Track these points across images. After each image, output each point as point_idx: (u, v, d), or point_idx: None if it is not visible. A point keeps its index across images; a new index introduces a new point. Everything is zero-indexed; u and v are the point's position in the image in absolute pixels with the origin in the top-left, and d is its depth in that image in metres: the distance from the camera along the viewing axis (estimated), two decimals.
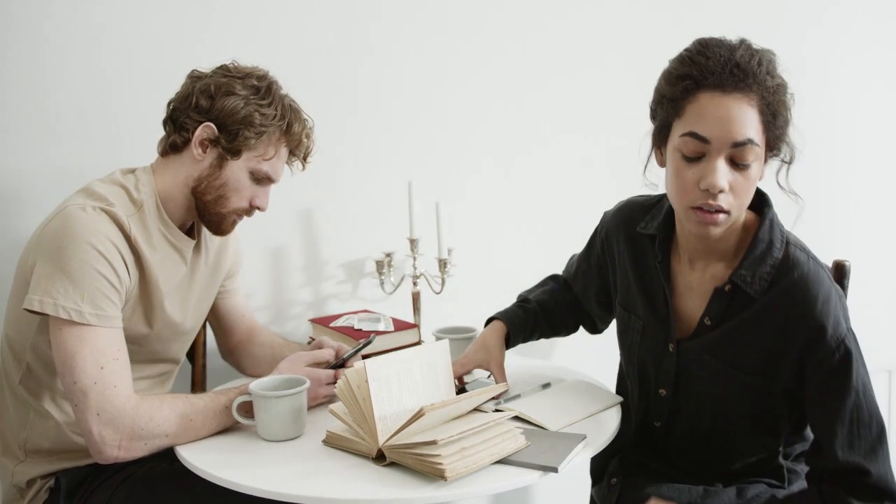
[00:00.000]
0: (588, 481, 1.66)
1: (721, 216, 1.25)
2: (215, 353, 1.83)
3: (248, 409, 1.40)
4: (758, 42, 1.27)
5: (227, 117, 1.46)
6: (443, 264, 1.98)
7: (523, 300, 1.69)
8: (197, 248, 1.59)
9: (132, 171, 1.54)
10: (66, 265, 1.34)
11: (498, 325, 1.61)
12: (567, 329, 1.73)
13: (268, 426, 1.37)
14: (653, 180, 1.41)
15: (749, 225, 1.34)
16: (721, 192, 1.23)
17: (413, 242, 1.98)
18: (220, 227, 1.55)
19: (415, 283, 1.99)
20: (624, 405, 1.51)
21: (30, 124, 1.79)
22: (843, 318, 1.27)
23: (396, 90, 2.05)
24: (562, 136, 2.18)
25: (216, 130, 1.47)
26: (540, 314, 1.66)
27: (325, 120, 2.00)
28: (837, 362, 1.25)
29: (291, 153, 1.57)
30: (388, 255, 2.02)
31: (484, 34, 2.11)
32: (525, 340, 1.65)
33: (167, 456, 1.41)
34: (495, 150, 2.14)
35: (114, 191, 1.45)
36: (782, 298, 1.28)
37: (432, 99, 2.08)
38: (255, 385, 1.39)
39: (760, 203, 1.35)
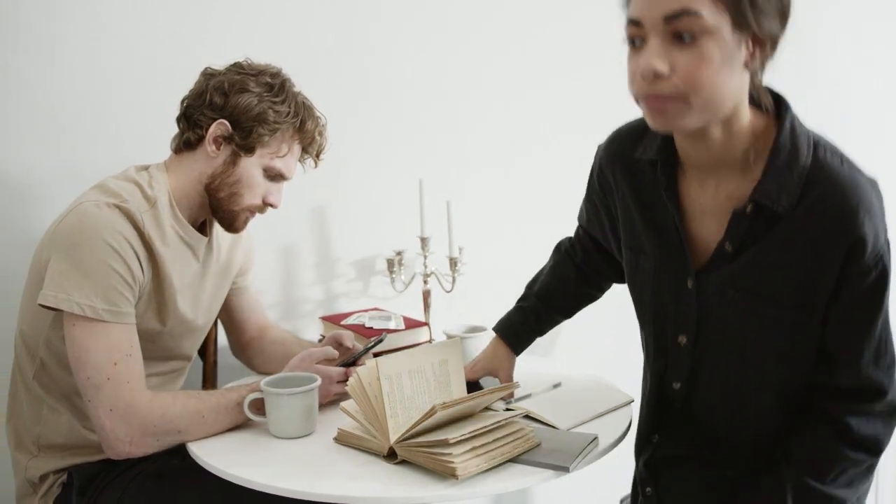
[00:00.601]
0: (584, 482, 1.66)
1: (671, 105, 1.07)
2: (227, 350, 1.83)
3: (259, 407, 1.41)
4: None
5: (241, 114, 1.47)
6: (453, 263, 1.98)
7: (523, 297, 1.62)
8: (209, 245, 1.60)
9: (146, 167, 1.54)
10: (80, 261, 1.35)
11: (499, 338, 1.58)
12: (584, 300, 1.62)
13: (279, 423, 1.38)
14: None
15: (761, 131, 1.15)
16: (656, 75, 1.05)
17: (424, 241, 1.98)
18: (234, 224, 1.55)
19: (425, 282, 1.99)
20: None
21: (44, 122, 1.80)
22: (883, 230, 1.13)
23: (408, 88, 2.05)
24: (572, 135, 2.17)
25: (230, 127, 1.48)
26: (542, 308, 1.57)
27: (335, 118, 2.00)
28: (874, 280, 1.12)
29: (304, 150, 1.57)
30: (399, 253, 2.02)
31: (492, 31, 2.11)
32: (535, 339, 1.61)
33: (178, 452, 1.41)
34: (506, 149, 2.14)
35: (128, 187, 1.46)
36: (816, 212, 1.11)
37: (444, 97, 2.08)
38: (267, 382, 1.40)
39: (776, 105, 1.17)
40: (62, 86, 1.80)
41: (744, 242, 1.18)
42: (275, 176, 1.53)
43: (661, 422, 1.35)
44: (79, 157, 1.81)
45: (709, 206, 1.21)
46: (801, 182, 1.12)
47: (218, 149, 1.49)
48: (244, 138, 1.48)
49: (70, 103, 1.82)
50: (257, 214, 1.58)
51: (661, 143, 1.24)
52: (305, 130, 1.53)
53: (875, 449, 1.19)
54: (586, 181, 1.47)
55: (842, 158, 1.14)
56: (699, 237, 1.23)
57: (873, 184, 1.14)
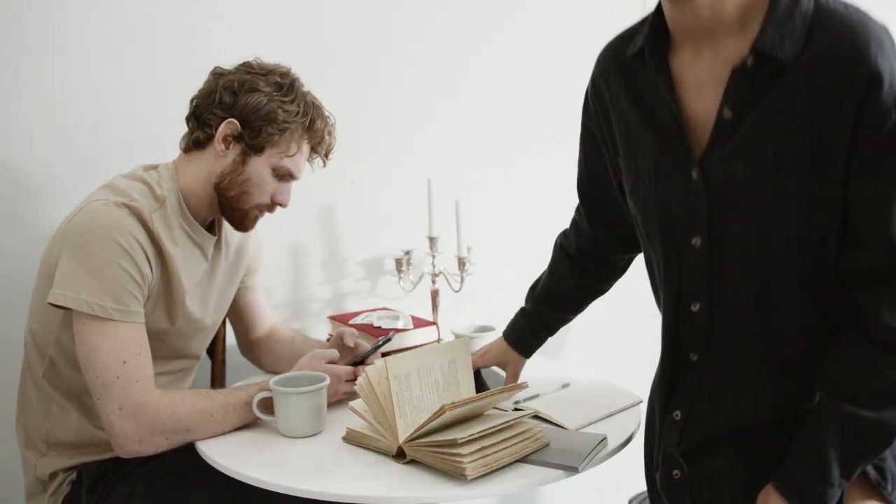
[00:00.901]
0: (592, 483, 1.66)
1: None
2: (235, 349, 1.83)
3: (268, 406, 1.41)
4: None
5: (251, 114, 1.47)
6: (462, 262, 1.98)
7: (526, 300, 1.58)
8: (218, 244, 1.60)
9: (154, 167, 1.55)
10: (89, 260, 1.35)
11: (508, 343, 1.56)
12: (590, 294, 1.55)
13: (288, 422, 1.38)
14: None
15: None
16: None
17: (432, 240, 1.98)
18: (243, 223, 1.55)
19: (433, 281, 1.99)
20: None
21: (53, 120, 1.80)
22: None
23: (416, 87, 2.05)
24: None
25: (239, 127, 1.48)
26: (544, 310, 1.53)
27: (344, 117, 2.00)
28: (894, 122, 1.00)
29: (313, 150, 1.57)
30: (407, 252, 2.02)
31: (505, 32, 2.11)
32: (545, 338, 1.57)
33: (187, 451, 1.42)
34: (515, 149, 2.14)
35: (137, 187, 1.46)
36: (822, 56, 1.01)
37: (453, 96, 2.08)
38: (276, 381, 1.40)
39: None
40: (72, 84, 1.81)
41: (744, 107, 1.06)
42: (284, 175, 1.53)
43: (680, 388, 1.20)
44: (88, 155, 1.81)
45: (706, 77, 1.11)
46: (805, 28, 1.03)
47: (227, 148, 1.49)
48: (253, 138, 1.48)
49: (79, 102, 1.82)
50: (266, 213, 1.58)
51: (648, 31, 1.16)
52: (315, 130, 1.53)
53: None
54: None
55: (846, 4, 1.05)
56: (699, 117, 1.12)
57: (884, 27, 1.03)
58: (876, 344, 1.04)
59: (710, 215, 1.11)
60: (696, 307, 1.16)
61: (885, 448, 1.06)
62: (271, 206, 1.56)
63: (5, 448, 1.86)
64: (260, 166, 1.50)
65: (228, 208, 1.53)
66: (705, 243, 1.13)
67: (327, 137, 1.57)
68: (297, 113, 1.50)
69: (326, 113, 1.56)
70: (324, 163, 1.61)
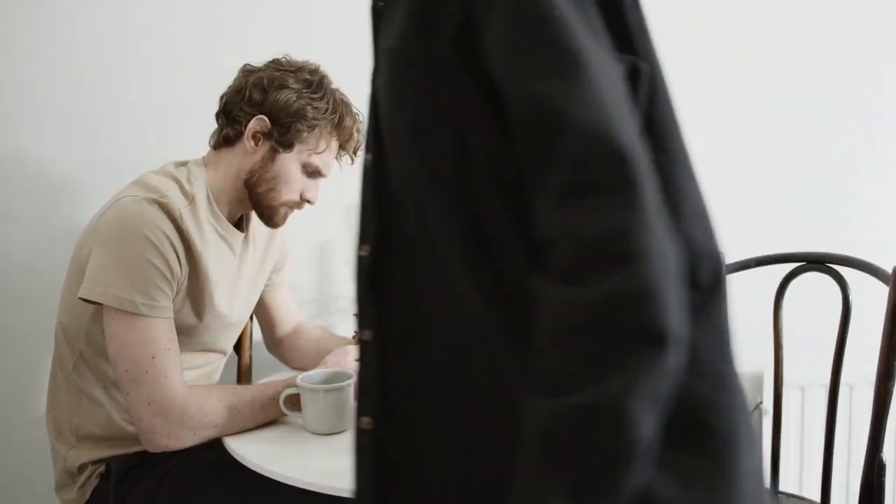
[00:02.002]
0: None
1: None
2: (261, 345, 1.84)
3: (295, 402, 1.41)
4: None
5: (280, 111, 1.47)
6: None
7: None
8: (246, 240, 1.60)
9: (184, 163, 1.56)
10: (120, 255, 1.36)
11: None
12: None
13: (314, 419, 1.38)
14: None
15: None
16: None
17: None
18: (273, 219, 1.56)
19: None
20: None
21: (85, 117, 1.82)
22: None
23: None
24: None
25: (269, 123, 1.48)
26: None
27: None
28: None
29: (342, 147, 1.58)
30: None
31: None
32: None
33: (215, 446, 1.42)
34: None
35: (167, 183, 1.47)
36: None
37: None
38: (303, 378, 1.40)
39: None
40: (102, 82, 1.82)
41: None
42: (312, 172, 1.54)
43: None
44: (119, 152, 1.83)
45: None
46: None
47: (257, 144, 1.50)
48: (283, 134, 1.48)
49: (109, 100, 1.84)
50: (295, 210, 1.58)
51: None
52: (343, 127, 1.53)
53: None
54: None
55: None
56: None
57: None
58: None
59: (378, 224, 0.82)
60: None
61: None
62: (300, 203, 1.56)
63: (35, 440, 1.88)
64: (289, 163, 1.50)
65: (258, 205, 1.54)
66: (370, 256, 0.83)
67: (356, 134, 1.57)
68: (327, 110, 1.50)
69: (355, 110, 1.56)
70: (352, 160, 1.61)
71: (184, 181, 1.49)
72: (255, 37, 1.88)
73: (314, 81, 1.51)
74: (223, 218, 1.53)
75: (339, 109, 1.52)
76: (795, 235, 2.15)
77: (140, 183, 1.47)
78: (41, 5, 1.82)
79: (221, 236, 1.52)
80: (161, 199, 1.42)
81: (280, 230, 1.70)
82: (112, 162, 1.83)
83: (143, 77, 1.84)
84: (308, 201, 1.56)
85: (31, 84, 1.83)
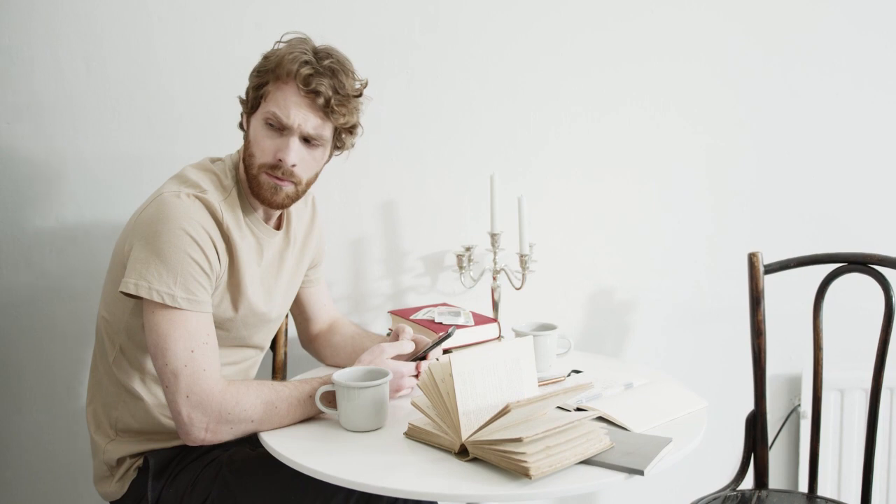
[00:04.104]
0: (653, 485, 1.63)
1: None
2: (296, 341, 1.85)
3: (331, 399, 1.41)
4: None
5: (249, 81, 1.50)
6: (523, 260, 1.96)
7: None
8: (286, 237, 1.61)
9: (220, 159, 1.57)
10: (160, 250, 1.37)
11: None
12: None
13: (350, 416, 1.38)
14: None
15: None
16: None
17: (494, 237, 1.97)
18: (262, 194, 1.49)
19: (494, 278, 1.98)
20: None
21: (128, 116, 1.84)
22: None
23: (482, 83, 2.04)
24: (650, 140, 2.13)
25: (242, 99, 1.51)
26: None
27: (409, 112, 2.01)
28: None
29: (300, 89, 1.45)
30: (469, 249, 2.01)
31: (576, 37, 2.07)
32: None
33: (251, 442, 1.43)
34: (580, 146, 2.11)
35: (206, 177, 1.48)
36: None
37: (517, 92, 2.06)
38: (339, 375, 1.40)
39: None
40: (142, 79, 1.84)
41: None
42: (276, 125, 1.46)
43: None
44: (158, 148, 1.84)
45: None
46: None
47: (245, 126, 1.53)
48: (251, 100, 1.50)
49: (150, 97, 1.86)
50: (281, 178, 1.48)
51: None
52: (282, 65, 1.46)
53: None
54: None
55: None
56: None
57: None
58: None
59: None
60: None
61: None
62: (277, 166, 1.47)
63: (76, 433, 1.91)
64: (256, 124, 1.49)
65: (250, 185, 1.51)
66: None
67: (303, 69, 1.45)
68: (269, 60, 1.48)
69: (301, 50, 1.47)
70: (328, 101, 1.46)
71: (221, 175, 1.50)
72: (310, 32, 1.88)
73: (281, 42, 1.51)
74: (253, 211, 1.53)
75: (280, 55, 1.47)
76: (837, 235, 2.12)
77: (179, 178, 1.48)
78: (84, 3, 1.84)
79: (251, 230, 1.53)
80: (201, 194, 1.43)
81: (317, 226, 1.69)
82: (151, 157, 1.85)
83: (183, 75, 1.85)
84: (283, 161, 1.47)
85: (69, 79, 1.86)
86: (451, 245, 2.06)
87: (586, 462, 1.23)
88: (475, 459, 1.25)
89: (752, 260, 1.82)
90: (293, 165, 1.47)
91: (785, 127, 2.11)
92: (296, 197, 1.52)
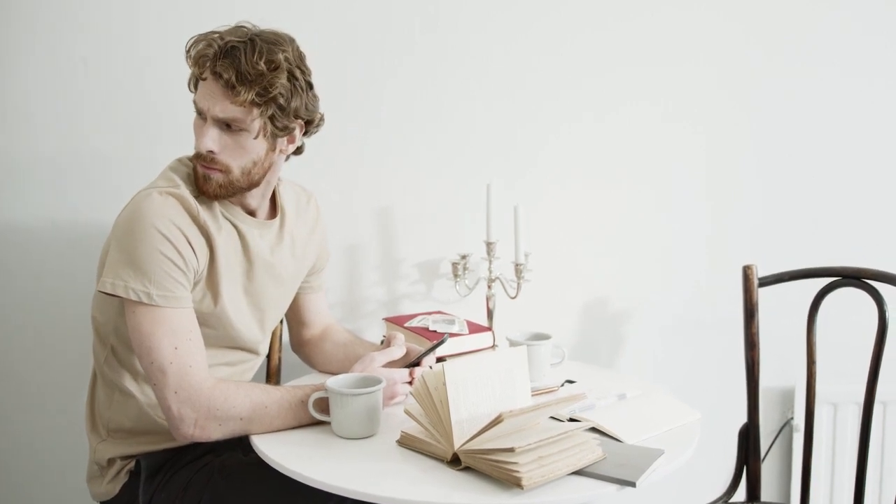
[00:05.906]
0: (645, 498, 1.62)
1: None
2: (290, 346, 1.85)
3: (323, 406, 1.41)
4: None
5: None
6: (519, 269, 1.97)
7: None
8: (281, 234, 1.59)
9: None
10: (132, 249, 1.38)
11: None
12: None
13: (343, 424, 1.38)
14: None
15: None
16: None
17: (490, 245, 1.97)
18: (197, 183, 1.47)
19: (489, 287, 1.98)
20: None
21: (120, 110, 1.84)
22: None
23: (478, 90, 2.04)
24: (647, 145, 2.14)
25: None
26: None
27: (406, 119, 2.01)
28: None
29: (212, 74, 1.41)
30: (464, 257, 2.01)
31: (575, 42, 2.08)
32: None
33: (243, 447, 1.43)
34: (577, 154, 2.11)
35: (179, 173, 1.48)
36: None
37: (514, 99, 2.06)
38: (332, 382, 1.40)
39: None
40: (139, 79, 1.84)
41: None
42: (199, 111, 1.45)
43: None
44: (154, 147, 1.84)
45: None
46: None
47: None
48: None
49: (145, 97, 1.86)
50: (210, 167, 1.45)
51: None
52: (189, 53, 1.44)
53: None
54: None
55: None
56: None
57: None
58: None
59: None
60: None
61: None
62: (200, 154, 1.45)
63: (75, 432, 1.91)
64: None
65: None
66: None
67: (202, 51, 1.41)
68: (188, 51, 1.44)
69: (219, 33, 1.43)
70: (229, 82, 1.39)
71: (192, 170, 1.49)
72: (300, 35, 1.88)
73: None
74: (232, 204, 1.51)
75: (190, 43, 1.44)
76: (831, 249, 2.13)
77: (162, 175, 1.49)
78: (83, 4, 1.84)
79: (231, 222, 1.51)
80: (174, 191, 1.43)
81: (321, 230, 1.69)
82: (148, 156, 1.85)
83: (182, 75, 1.85)
84: (199, 150, 1.44)
85: (66, 76, 1.86)
86: (447, 253, 2.06)
87: (578, 473, 1.23)
88: (467, 468, 1.25)
89: (746, 273, 1.83)
90: (209, 151, 1.42)
91: (785, 127, 2.12)
92: (229, 186, 1.46)
